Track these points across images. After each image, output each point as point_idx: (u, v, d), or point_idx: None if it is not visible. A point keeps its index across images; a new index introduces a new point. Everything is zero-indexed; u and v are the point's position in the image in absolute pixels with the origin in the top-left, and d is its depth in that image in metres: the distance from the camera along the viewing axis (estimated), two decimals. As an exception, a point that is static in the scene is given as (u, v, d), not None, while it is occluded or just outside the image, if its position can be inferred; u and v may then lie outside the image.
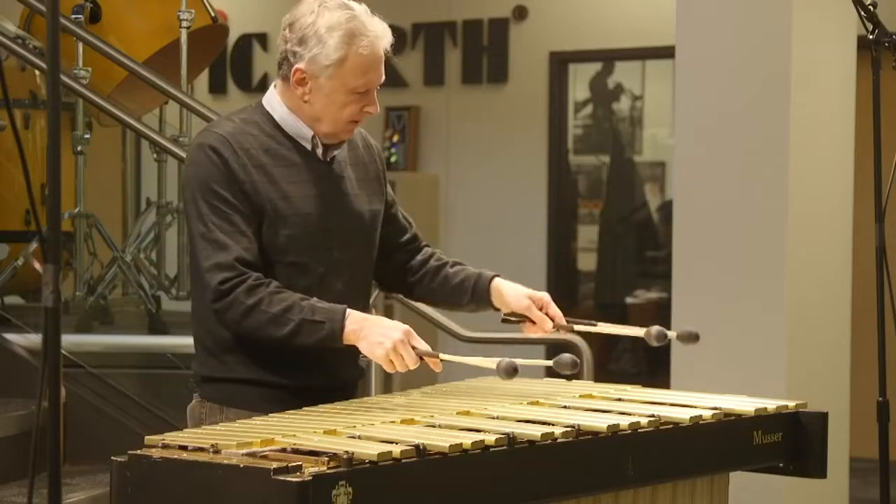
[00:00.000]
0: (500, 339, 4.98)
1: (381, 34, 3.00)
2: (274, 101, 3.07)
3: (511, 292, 3.21)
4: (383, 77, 3.03)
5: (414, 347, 2.89)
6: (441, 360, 2.91)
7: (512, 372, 2.86)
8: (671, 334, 3.21)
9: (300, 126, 3.04)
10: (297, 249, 3.00)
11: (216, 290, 2.90)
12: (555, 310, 3.20)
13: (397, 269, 3.28)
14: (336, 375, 3.10)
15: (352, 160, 3.15)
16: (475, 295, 3.23)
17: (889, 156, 3.77)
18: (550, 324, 3.19)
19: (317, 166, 3.06)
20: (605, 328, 3.28)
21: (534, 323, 3.21)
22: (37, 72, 5.70)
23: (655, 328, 3.18)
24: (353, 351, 3.07)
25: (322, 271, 3.03)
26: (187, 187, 2.99)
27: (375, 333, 2.89)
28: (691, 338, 3.24)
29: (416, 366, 2.90)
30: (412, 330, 2.92)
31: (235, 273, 2.90)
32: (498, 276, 3.24)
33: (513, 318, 3.24)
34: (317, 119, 3.02)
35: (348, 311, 2.92)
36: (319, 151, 3.06)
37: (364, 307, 3.08)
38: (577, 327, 3.26)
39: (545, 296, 3.21)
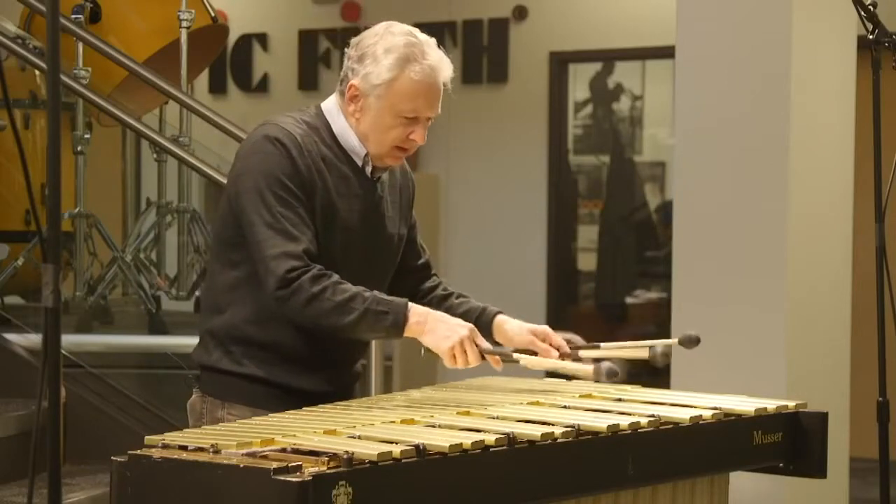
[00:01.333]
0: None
1: (437, 65, 3.02)
2: (334, 111, 3.09)
3: (513, 327, 3.20)
4: (437, 110, 3.05)
5: (478, 345, 2.95)
6: (509, 361, 2.99)
7: (613, 375, 2.95)
8: (672, 342, 3.20)
9: (355, 142, 3.07)
10: (334, 261, 3.01)
11: (282, 278, 2.91)
12: (558, 340, 3.18)
13: (405, 291, 3.27)
14: (338, 378, 3.12)
15: (390, 182, 3.18)
16: (477, 327, 3.17)
17: (889, 156, 3.77)
18: (556, 354, 3.16)
19: (363, 183, 3.09)
20: (609, 348, 3.25)
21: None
22: (37, 72, 5.70)
23: (659, 347, 3.12)
24: (356, 355, 3.09)
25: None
26: (248, 175, 2.98)
27: (442, 328, 2.95)
28: (692, 341, 3.23)
29: (477, 363, 2.97)
30: (476, 328, 2.98)
31: (303, 263, 2.92)
32: (502, 312, 3.24)
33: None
34: (365, 138, 3.06)
35: (410, 304, 2.97)
36: (368, 170, 3.09)
37: None
38: (581, 353, 3.20)
39: (546, 328, 3.20)
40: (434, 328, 2.95)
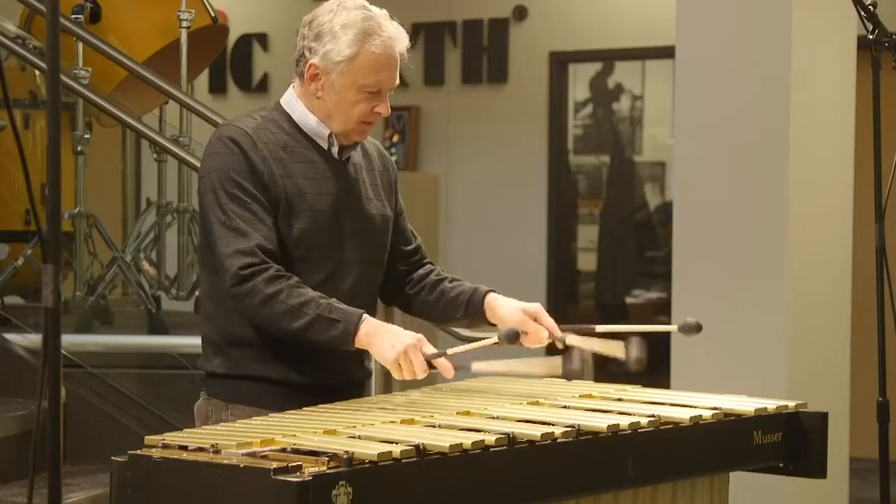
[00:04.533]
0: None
1: (395, 36, 3.04)
2: (293, 100, 3.11)
3: (504, 307, 3.18)
4: (397, 80, 3.08)
5: (425, 354, 2.91)
6: (450, 358, 2.92)
7: (514, 337, 2.90)
8: (672, 328, 3.21)
9: (318, 125, 3.08)
10: (307, 244, 3.02)
11: (236, 275, 2.91)
12: (549, 321, 3.17)
13: (397, 280, 3.29)
14: (343, 374, 3.10)
15: (366, 166, 3.19)
16: (469, 309, 3.22)
17: (889, 156, 3.77)
18: (546, 334, 3.16)
19: (333, 165, 3.09)
20: (601, 329, 3.25)
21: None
22: (37, 72, 5.71)
23: (633, 353, 3.12)
24: (361, 351, 3.08)
25: (331, 269, 3.05)
26: (206, 178, 3.01)
27: (387, 339, 2.91)
28: (693, 328, 3.24)
29: (424, 373, 2.91)
30: (424, 338, 2.94)
31: (257, 260, 2.92)
32: (494, 291, 3.22)
33: None
34: (329, 116, 3.07)
35: (365, 315, 2.94)
36: (335, 150, 3.09)
37: (370, 309, 3.09)
38: (568, 340, 3.20)
39: (538, 307, 3.18)
40: (380, 339, 2.92)
